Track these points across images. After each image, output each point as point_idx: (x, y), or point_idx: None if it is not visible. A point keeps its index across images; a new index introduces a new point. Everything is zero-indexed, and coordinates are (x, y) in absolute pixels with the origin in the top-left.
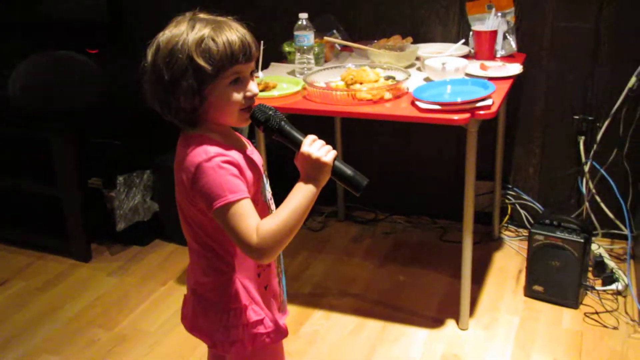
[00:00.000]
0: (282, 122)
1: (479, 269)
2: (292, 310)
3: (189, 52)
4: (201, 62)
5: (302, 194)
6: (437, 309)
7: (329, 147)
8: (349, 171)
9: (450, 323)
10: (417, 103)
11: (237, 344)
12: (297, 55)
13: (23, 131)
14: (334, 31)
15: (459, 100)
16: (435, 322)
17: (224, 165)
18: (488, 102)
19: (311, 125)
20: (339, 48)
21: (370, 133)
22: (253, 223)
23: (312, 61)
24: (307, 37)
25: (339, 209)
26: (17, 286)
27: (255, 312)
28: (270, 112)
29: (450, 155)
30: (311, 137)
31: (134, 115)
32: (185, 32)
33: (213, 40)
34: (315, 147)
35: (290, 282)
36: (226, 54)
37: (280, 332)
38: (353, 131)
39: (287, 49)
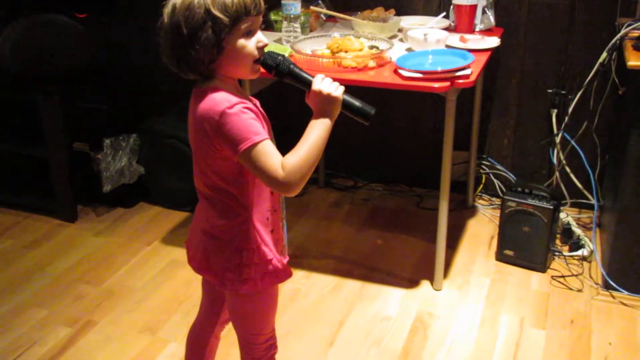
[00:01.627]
0: (292, 65)
1: (453, 235)
2: None
3: (206, 6)
4: (218, 13)
5: (319, 128)
6: (412, 270)
7: (337, 83)
8: (357, 103)
9: (425, 284)
10: (400, 71)
11: (249, 282)
12: (284, 23)
13: (11, 93)
14: (319, 1)
15: (439, 69)
16: (411, 282)
17: (245, 110)
18: (467, 71)
19: (294, 93)
20: (324, 18)
21: None
22: (278, 160)
23: (299, 30)
24: (294, 6)
25: (319, 176)
26: (4, 244)
27: (266, 252)
28: (280, 58)
29: (427, 126)
30: (320, 76)
31: (121, 79)
32: None
33: None
34: (325, 84)
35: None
36: (240, 6)
37: (286, 272)
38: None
39: (273, 17)
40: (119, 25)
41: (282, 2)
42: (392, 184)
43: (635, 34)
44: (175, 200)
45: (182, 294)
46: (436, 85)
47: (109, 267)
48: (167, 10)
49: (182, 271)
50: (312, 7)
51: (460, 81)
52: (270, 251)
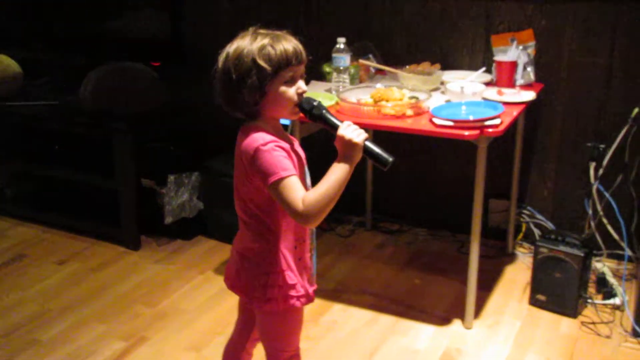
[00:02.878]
0: (324, 111)
1: (490, 279)
2: (315, 302)
3: (253, 56)
4: (262, 63)
5: (339, 170)
6: (446, 309)
7: (362, 130)
8: (377, 150)
9: (457, 322)
10: (434, 120)
11: (272, 301)
12: (334, 75)
13: (88, 129)
14: (370, 55)
15: (470, 118)
16: (443, 320)
17: (276, 149)
18: (496, 121)
19: None
20: (374, 71)
21: (397, 151)
22: (300, 194)
23: (347, 80)
24: (343, 59)
25: (366, 219)
26: (73, 266)
27: (290, 277)
28: (315, 103)
29: (472, 174)
30: (347, 123)
31: (187, 122)
32: (250, 42)
33: (272, 47)
34: (349, 130)
35: (316, 279)
36: (282, 57)
37: (309, 298)
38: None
39: (326, 69)
40: (187, 73)
41: (333, 55)
42: (435, 229)
43: None
44: (230, 235)
45: (227, 318)
46: (466, 133)
47: (165, 291)
48: (221, 57)
49: (229, 298)
50: (360, 60)
51: (490, 130)
52: (295, 276)
